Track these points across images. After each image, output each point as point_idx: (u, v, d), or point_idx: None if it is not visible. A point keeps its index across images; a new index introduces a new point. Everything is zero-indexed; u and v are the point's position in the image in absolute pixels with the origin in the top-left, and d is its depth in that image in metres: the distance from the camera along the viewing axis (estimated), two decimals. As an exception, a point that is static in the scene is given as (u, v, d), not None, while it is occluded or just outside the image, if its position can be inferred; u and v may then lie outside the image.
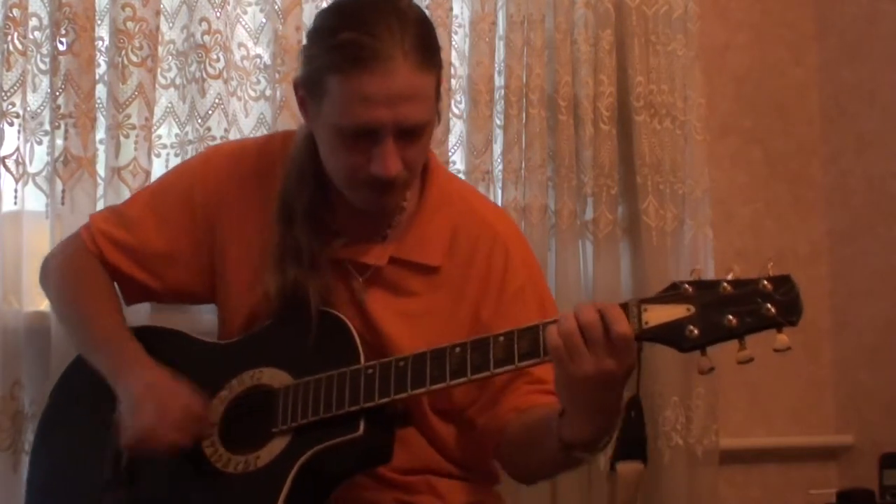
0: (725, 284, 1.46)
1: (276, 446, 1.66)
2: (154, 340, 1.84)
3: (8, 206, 2.18)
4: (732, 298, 1.45)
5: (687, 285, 1.48)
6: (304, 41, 1.76)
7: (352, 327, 1.71)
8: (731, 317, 1.44)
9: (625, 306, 1.50)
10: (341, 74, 1.63)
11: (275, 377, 1.73)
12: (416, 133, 1.68)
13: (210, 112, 2.34)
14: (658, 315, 1.48)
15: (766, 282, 1.45)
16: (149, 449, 1.69)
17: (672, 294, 1.48)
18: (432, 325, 1.75)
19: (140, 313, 2.14)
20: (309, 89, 1.71)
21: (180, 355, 1.82)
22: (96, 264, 1.89)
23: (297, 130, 1.88)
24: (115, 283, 1.90)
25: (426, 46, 1.67)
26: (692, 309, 1.46)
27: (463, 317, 1.78)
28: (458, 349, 1.59)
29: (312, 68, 1.69)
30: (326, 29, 1.69)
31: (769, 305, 1.44)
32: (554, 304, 1.91)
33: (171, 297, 1.97)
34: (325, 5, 2.44)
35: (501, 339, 1.56)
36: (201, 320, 2.06)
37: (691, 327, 1.46)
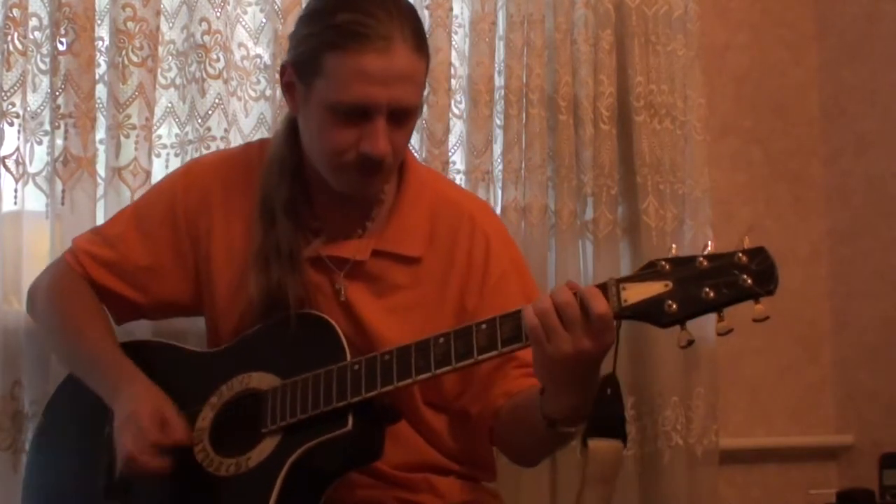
0: (701, 259, 1.49)
1: (267, 447, 1.67)
2: (143, 354, 1.85)
3: (8, 206, 2.18)
4: (709, 272, 1.48)
5: (664, 262, 1.50)
6: (296, 25, 1.78)
7: (336, 325, 1.71)
8: (708, 290, 1.47)
9: (603, 286, 1.52)
10: (341, 51, 1.66)
11: (263, 380, 1.73)
12: (406, 117, 1.71)
13: (210, 112, 2.35)
14: (636, 292, 1.50)
15: (741, 254, 1.48)
16: (136, 474, 1.70)
17: (649, 271, 1.50)
18: (418, 318, 1.76)
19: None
20: (300, 70, 1.72)
21: (170, 367, 1.83)
22: (83, 284, 1.90)
23: (271, 140, 1.90)
24: (104, 302, 1.91)
25: (420, 33, 1.72)
26: (670, 284, 1.49)
27: (448, 307, 1.79)
28: (441, 339, 1.60)
29: (307, 48, 1.71)
30: (323, 10, 1.72)
31: (745, 276, 1.46)
32: (536, 287, 1.92)
33: (159, 312, 1.98)
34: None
35: (484, 326, 1.58)
36: (200, 322, 2.06)
37: (670, 302, 1.48)
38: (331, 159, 1.73)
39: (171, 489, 1.73)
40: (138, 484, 1.73)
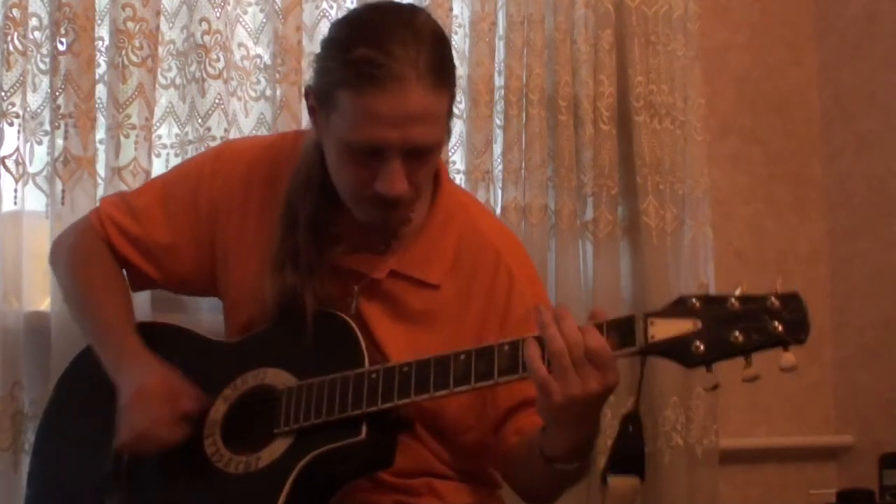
0: (733, 300, 1.45)
1: (278, 448, 1.66)
2: (160, 337, 1.84)
3: (8, 206, 2.18)
4: (740, 315, 1.44)
5: (694, 300, 1.46)
6: (319, 49, 1.74)
7: (357, 331, 1.70)
8: (737, 333, 1.43)
9: (631, 319, 1.49)
10: (353, 91, 1.61)
11: (278, 378, 1.72)
12: (424, 154, 1.67)
13: (210, 112, 2.34)
14: (664, 329, 1.46)
15: (774, 299, 1.43)
16: (142, 450, 1.70)
17: (679, 308, 1.47)
18: (429, 344, 1.72)
19: (140, 311, 2.15)
20: (319, 100, 1.69)
21: (185, 352, 1.83)
22: (105, 249, 1.91)
23: (307, 132, 1.87)
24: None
25: (441, 66, 1.64)
26: (699, 324, 1.45)
27: (465, 340, 1.72)
28: (462, 356, 1.58)
29: (324, 80, 1.68)
30: (341, 42, 1.67)
31: (776, 323, 1.42)
32: None
33: (173, 287, 1.99)
34: (325, 6, 2.46)
35: (507, 347, 1.55)
36: (200, 319, 2.06)
37: (697, 343, 1.44)
38: (349, 193, 1.71)
39: (177, 480, 1.72)
40: (143, 472, 1.73)
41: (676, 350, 1.46)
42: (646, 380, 2.70)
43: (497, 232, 1.91)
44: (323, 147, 1.74)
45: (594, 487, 2.57)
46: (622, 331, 1.49)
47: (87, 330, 1.89)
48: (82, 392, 1.90)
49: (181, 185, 1.92)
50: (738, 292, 1.46)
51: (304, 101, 2.34)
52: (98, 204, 1.99)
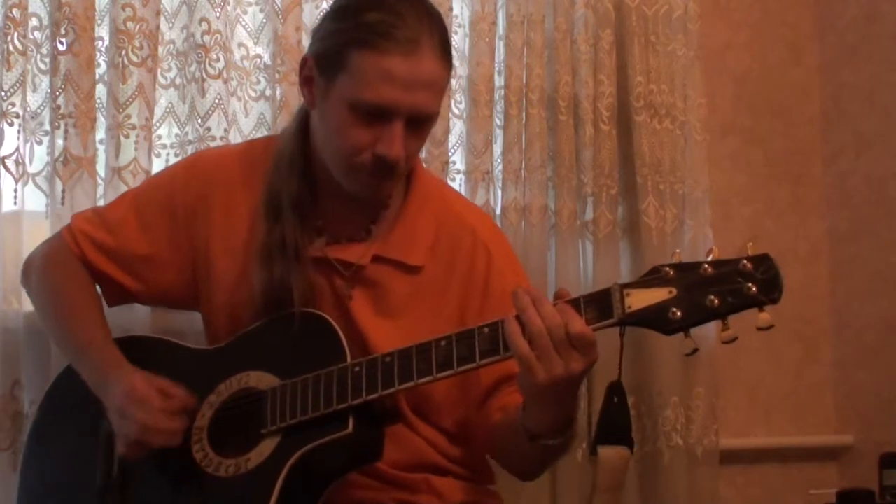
0: (706, 265, 1.48)
1: (266, 448, 1.66)
2: (141, 350, 1.84)
3: (8, 206, 2.18)
4: (713, 279, 1.47)
5: (668, 268, 1.50)
6: (322, 20, 1.77)
7: (337, 327, 1.71)
8: (712, 297, 1.46)
9: (607, 292, 1.51)
10: (368, 49, 1.65)
11: (262, 380, 1.73)
12: (424, 124, 1.71)
13: (210, 112, 2.34)
14: (641, 299, 1.49)
15: (745, 261, 1.47)
16: (146, 448, 1.69)
17: (654, 277, 1.50)
18: (415, 328, 1.74)
19: (140, 314, 2.14)
20: (323, 64, 1.71)
21: (167, 364, 1.82)
22: (78, 266, 1.89)
23: (280, 134, 1.89)
24: (97, 284, 1.91)
25: (447, 41, 1.72)
26: (674, 291, 1.48)
27: (445, 321, 1.77)
28: (443, 342, 1.60)
29: (333, 42, 1.70)
30: (353, 7, 1.71)
31: (750, 285, 1.46)
32: None
33: (152, 300, 1.98)
34: (325, 6, 2.46)
35: (487, 329, 1.57)
36: (198, 321, 2.05)
37: (674, 309, 1.47)
38: (345, 158, 1.72)
39: (169, 489, 1.72)
40: (134, 482, 1.73)
41: (654, 318, 1.49)
42: (645, 379, 2.71)
43: (472, 212, 1.94)
44: (316, 118, 1.76)
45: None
46: (599, 304, 1.52)
47: (65, 349, 1.89)
48: (70, 403, 1.88)
49: (154, 194, 1.91)
50: (710, 257, 1.49)
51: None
52: (71, 219, 1.96)
